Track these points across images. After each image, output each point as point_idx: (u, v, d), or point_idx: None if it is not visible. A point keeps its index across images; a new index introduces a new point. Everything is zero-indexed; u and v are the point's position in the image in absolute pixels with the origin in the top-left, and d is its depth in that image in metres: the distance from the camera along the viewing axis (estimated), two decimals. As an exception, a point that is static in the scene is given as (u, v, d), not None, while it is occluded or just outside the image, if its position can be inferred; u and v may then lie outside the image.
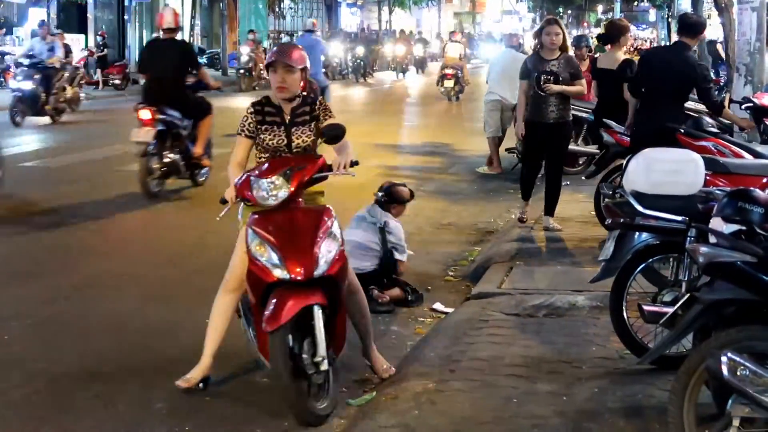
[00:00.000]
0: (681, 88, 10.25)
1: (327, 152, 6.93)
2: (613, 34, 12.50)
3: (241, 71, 37.85)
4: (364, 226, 9.47)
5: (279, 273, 6.29)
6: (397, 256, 9.44)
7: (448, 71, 32.74)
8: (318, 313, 6.30)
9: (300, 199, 6.62)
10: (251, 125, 6.86)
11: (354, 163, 6.79)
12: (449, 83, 32.46)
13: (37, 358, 7.59)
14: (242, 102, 26.52)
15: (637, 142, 9.93)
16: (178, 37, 15.10)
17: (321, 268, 6.35)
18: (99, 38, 38.83)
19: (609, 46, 12.58)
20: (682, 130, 10.30)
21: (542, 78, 11.35)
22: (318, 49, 21.39)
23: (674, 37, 19.36)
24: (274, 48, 7.22)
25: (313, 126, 6.87)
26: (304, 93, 6.94)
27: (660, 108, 10.15)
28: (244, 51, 38.82)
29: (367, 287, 9.09)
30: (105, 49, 37.62)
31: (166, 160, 14.12)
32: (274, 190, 6.47)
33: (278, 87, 6.79)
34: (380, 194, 9.71)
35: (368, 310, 7.13)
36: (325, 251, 6.39)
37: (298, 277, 6.29)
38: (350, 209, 9.83)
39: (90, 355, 7.66)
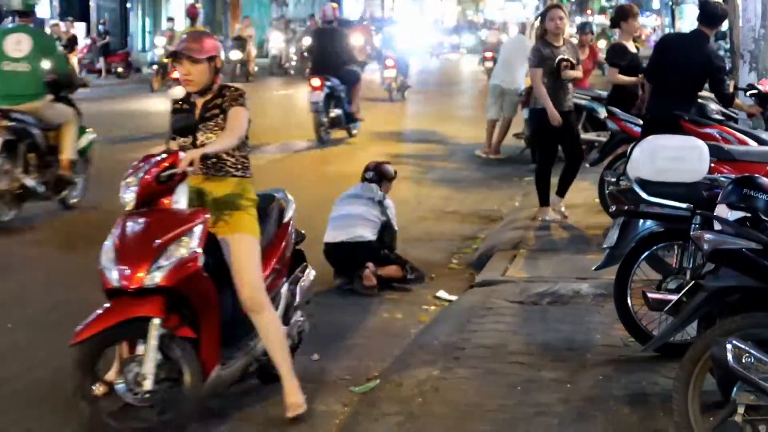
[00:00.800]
0: (697, 78, 10.18)
1: (331, 156, 6.89)
2: (619, 19, 12.42)
3: (154, 67, 31.21)
4: (363, 201, 9.63)
5: (112, 279, 5.73)
6: (396, 227, 9.78)
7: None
8: (153, 328, 5.66)
9: (167, 200, 5.92)
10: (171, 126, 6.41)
11: (208, 159, 6.12)
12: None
13: (39, 346, 7.60)
14: (152, 104, 26.31)
15: (651, 128, 9.90)
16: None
17: (153, 278, 5.68)
18: (101, 26, 38.76)
19: (617, 31, 12.50)
20: (687, 117, 10.27)
21: (563, 64, 11.28)
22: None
23: (678, 25, 19.33)
24: (183, 36, 6.69)
25: (222, 119, 6.25)
26: (218, 84, 6.32)
27: (675, 95, 10.08)
28: (159, 43, 33.35)
29: (364, 264, 9.15)
30: (107, 37, 37.59)
31: (332, 115, 19.01)
32: (128, 191, 5.90)
33: (184, 80, 6.30)
34: (370, 173, 9.96)
35: (281, 335, 6.29)
36: (164, 259, 5.72)
37: (130, 286, 5.67)
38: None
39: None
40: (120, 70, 36.37)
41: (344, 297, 9.13)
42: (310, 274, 7.11)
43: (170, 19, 36.79)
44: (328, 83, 18.84)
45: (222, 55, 6.72)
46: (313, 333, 7.32)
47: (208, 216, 5.98)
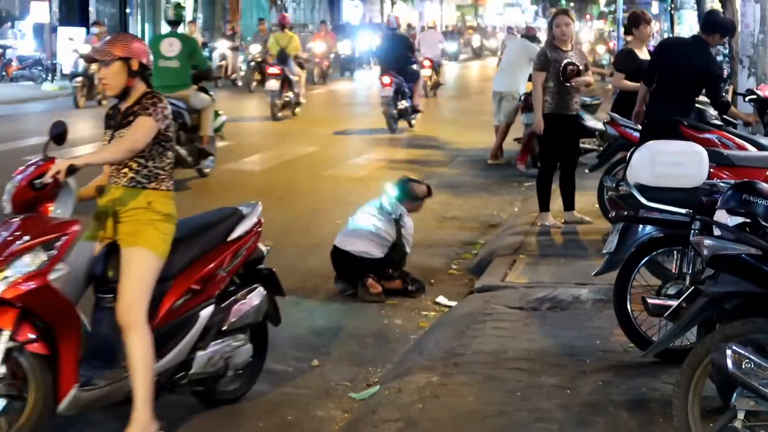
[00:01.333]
0: (695, 83, 10.18)
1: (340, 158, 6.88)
2: (631, 26, 12.33)
3: (78, 80, 25.77)
4: (380, 216, 9.49)
5: None
6: (406, 247, 9.55)
7: None
8: (2, 339, 5.41)
9: (46, 207, 5.69)
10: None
11: (72, 171, 5.64)
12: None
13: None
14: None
15: (649, 133, 9.91)
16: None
17: None
18: (95, 29, 38.33)
19: (630, 37, 12.44)
20: (686, 123, 10.27)
21: (568, 68, 11.31)
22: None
23: (677, 30, 19.36)
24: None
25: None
26: (143, 91, 6.07)
27: (674, 100, 10.08)
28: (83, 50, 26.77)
29: (365, 275, 9.13)
30: None
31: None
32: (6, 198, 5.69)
33: (102, 84, 6.12)
34: (396, 189, 9.70)
35: (147, 360, 5.77)
36: (10, 270, 5.45)
37: None
38: (352, 203, 9.80)
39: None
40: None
41: (343, 303, 9.12)
42: (254, 298, 6.56)
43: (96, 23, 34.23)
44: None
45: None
46: (312, 339, 7.31)
47: (77, 228, 5.68)
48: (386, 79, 21.56)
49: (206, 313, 6.21)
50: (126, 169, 6.01)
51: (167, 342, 6.01)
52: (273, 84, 23.33)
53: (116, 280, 5.88)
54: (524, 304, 8.49)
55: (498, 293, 8.89)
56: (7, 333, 5.42)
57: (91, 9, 42.32)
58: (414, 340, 8.05)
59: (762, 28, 12.08)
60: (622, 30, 26.40)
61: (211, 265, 6.26)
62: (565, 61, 11.30)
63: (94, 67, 23.29)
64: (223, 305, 6.37)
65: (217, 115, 15.64)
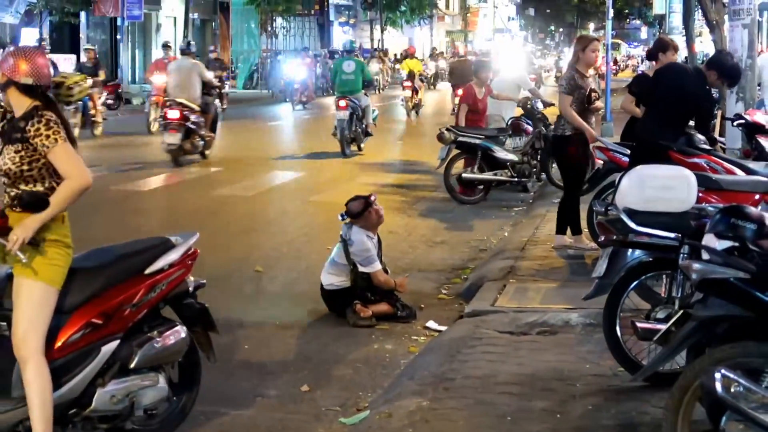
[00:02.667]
0: (687, 111, 10.27)
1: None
2: (657, 51, 12.24)
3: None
4: (339, 242, 9.53)
5: None
6: (362, 268, 9.38)
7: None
8: None
9: None
10: None
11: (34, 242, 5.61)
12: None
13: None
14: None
15: (638, 153, 9.99)
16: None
17: None
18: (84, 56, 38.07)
19: (654, 63, 12.42)
20: (675, 147, 10.31)
21: (592, 95, 11.43)
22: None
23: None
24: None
25: (24, 149, 5.71)
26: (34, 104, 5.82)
27: (664, 124, 10.13)
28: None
29: (351, 301, 9.14)
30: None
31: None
32: None
33: None
34: (342, 213, 9.66)
35: (44, 394, 5.61)
36: None
37: None
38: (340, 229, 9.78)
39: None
40: (110, 101, 36.32)
41: (333, 327, 9.11)
42: (171, 336, 6.18)
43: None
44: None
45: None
46: (302, 364, 7.30)
47: None
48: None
49: (108, 348, 5.90)
50: (16, 192, 5.79)
51: (63, 375, 5.75)
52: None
53: (11, 308, 5.68)
54: (514, 329, 8.49)
55: (488, 318, 8.89)
56: None
57: (82, 36, 42.40)
58: (404, 365, 8.04)
59: (750, 54, 12.10)
60: (611, 54, 26.46)
61: (119, 299, 5.93)
62: (589, 88, 11.43)
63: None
64: (132, 341, 6.04)
65: (372, 111, 23.01)
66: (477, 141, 15.97)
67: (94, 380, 5.88)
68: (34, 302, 5.62)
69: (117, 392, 5.96)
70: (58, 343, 5.74)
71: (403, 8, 68.43)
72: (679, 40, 19.76)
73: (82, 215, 6.97)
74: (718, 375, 4.86)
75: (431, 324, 9.18)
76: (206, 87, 20.45)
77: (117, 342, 5.94)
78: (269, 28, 55.90)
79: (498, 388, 6.99)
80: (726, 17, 13.73)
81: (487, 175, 15.97)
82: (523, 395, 6.86)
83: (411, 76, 35.32)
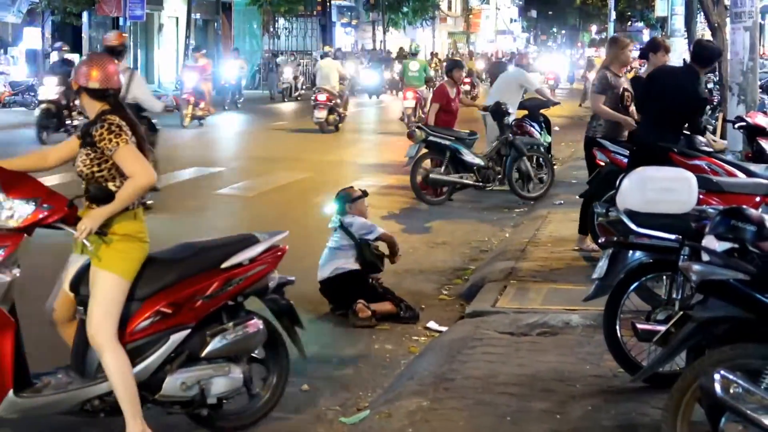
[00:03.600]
0: (684, 110, 10.28)
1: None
2: (648, 51, 12.27)
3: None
4: (335, 234, 9.70)
5: None
6: (369, 237, 9.70)
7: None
8: None
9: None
10: None
11: (100, 232, 5.94)
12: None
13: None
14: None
15: (637, 157, 9.99)
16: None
17: None
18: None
19: (645, 63, 12.49)
20: (676, 149, 10.32)
21: (625, 94, 11.47)
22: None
23: (667, 57, 19.44)
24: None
25: (93, 152, 6.08)
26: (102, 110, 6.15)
27: (663, 127, 10.15)
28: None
29: (355, 300, 9.18)
30: None
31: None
32: (8, 214, 5.87)
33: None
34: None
35: (124, 377, 5.96)
36: None
37: None
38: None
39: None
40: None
41: (334, 327, 9.13)
42: (247, 328, 6.40)
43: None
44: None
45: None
46: (303, 363, 7.30)
47: (10, 245, 5.83)
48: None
49: (178, 336, 6.16)
50: (85, 192, 6.10)
51: (133, 359, 6.03)
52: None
53: (87, 295, 6.03)
54: (514, 330, 8.51)
55: (488, 318, 8.90)
56: None
57: (84, 35, 42.43)
58: (404, 365, 8.06)
59: (751, 56, 12.12)
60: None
61: (190, 291, 6.18)
62: (622, 87, 11.43)
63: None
64: (205, 331, 6.28)
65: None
66: (447, 142, 15.94)
67: (163, 366, 6.15)
68: (107, 293, 5.96)
69: (187, 379, 6.21)
70: (129, 329, 6.05)
71: (405, 9, 68.42)
72: (681, 42, 19.75)
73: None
74: (717, 376, 4.88)
75: (432, 324, 9.20)
76: (341, 78, 28.70)
77: (187, 331, 6.20)
78: (271, 29, 55.92)
79: (498, 389, 7.01)
80: (728, 20, 13.76)
81: (453, 178, 15.95)
82: (523, 396, 6.87)
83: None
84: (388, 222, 12.36)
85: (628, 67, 13.44)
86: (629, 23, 76.46)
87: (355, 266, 9.53)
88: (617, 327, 7.19)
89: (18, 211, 5.83)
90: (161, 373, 6.15)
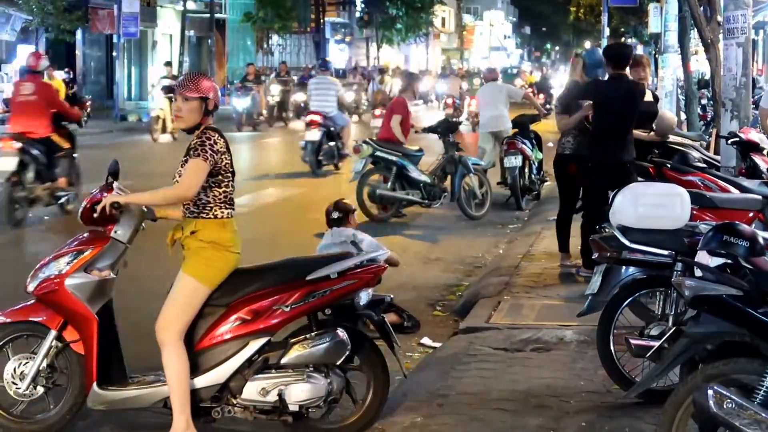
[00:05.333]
0: (631, 117, 10.59)
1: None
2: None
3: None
4: (337, 246, 9.52)
5: None
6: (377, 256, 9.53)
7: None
8: (48, 336, 6.52)
9: (110, 227, 6.58)
10: None
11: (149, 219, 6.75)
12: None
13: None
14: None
15: (598, 175, 10.22)
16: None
17: (31, 284, 6.56)
18: (66, 75, 36.10)
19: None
20: (669, 165, 10.36)
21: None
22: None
23: (661, 73, 19.48)
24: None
25: (183, 163, 6.42)
26: (204, 126, 6.46)
27: (620, 140, 10.41)
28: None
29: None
30: (74, 86, 35.78)
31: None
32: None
33: (175, 115, 6.60)
34: (336, 214, 9.76)
35: (179, 374, 6.30)
36: (46, 269, 6.55)
37: (26, 290, 6.62)
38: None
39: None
40: (85, 119, 35.32)
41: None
42: (325, 339, 6.52)
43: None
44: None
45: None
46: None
47: (101, 245, 6.54)
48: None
49: (257, 343, 6.44)
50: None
51: (211, 361, 6.41)
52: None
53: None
54: (508, 345, 8.51)
55: (482, 334, 8.90)
56: (53, 333, 6.49)
57: (78, 52, 42.45)
58: (398, 381, 8.04)
59: (744, 72, 12.12)
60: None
61: (271, 300, 6.45)
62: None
63: None
64: (288, 340, 6.56)
65: None
66: (394, 158, 15.81)
67: (242, 370, 6.44)
68: (184, 295, 6.33)
69: (266, 385, 6.44)
70: (212, 333, 6.41)
71: (399, 26, 68.54)
72: (675, 58, 19.76)
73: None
74: (710, 392, 4.88)
75: (426, 340, 9.20)
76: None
77: (266, 338, 6.48)
78: (265, 46, 56.01)
79: (492, 405, 7.00)
80: (721, 36, 13.78)
81: (400, 194, 15.85)
82: (517, 412, 6.87)
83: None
84: (381, 239, 12.22)
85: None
86: (623, 39, 76.78)
87: None
88: (611, 342, 7.19)
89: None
90: (242, 378, 6.43)
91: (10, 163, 14.27)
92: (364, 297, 6.76)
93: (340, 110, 23.03)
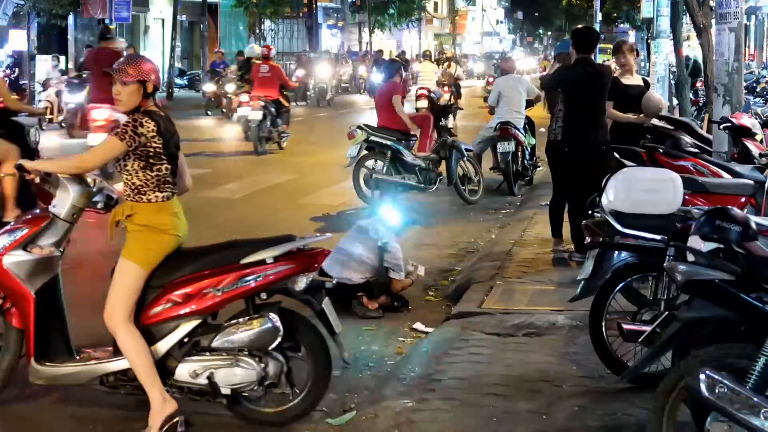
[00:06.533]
0: (603, 102, 10.89)
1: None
2: (612, 54, 12.50)
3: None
4: (365, 239, 9.60)
5: None
6: (392, 275, 9.72)
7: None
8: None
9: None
10: None
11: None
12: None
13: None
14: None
15: (571, 157, 10.38)
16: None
17: None
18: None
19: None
20: (662, 150, 10.35)
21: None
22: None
23: (653, 59, 19.47)
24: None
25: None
26: (145, 108, 6.44)
27: (592, 123, 10.56)
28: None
29: (356, 294, 9.21)
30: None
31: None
32: None
33: (115, 99, 6.52)
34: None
35: (139, 354, 6.35)
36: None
37: None
38: (329, 231, 9.79)
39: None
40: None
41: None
42: (258, 324, 6.49)
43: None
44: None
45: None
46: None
47: (37, 224, 6.60)
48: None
49: (188, 326, 6.46)
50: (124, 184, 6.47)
51: (146, 341, 6.40)
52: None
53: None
54: (501, 330, 8.51)
55: (475, 319, 8.91)
56: None
57: (69, 37, 42.34)
58: (391, 366, 8.06)
59: (736, 57, 12.14)
60: (599, 58, 26.49)
61: (202, 283, 6.43)
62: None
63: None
64: (220, 324, 6.55)
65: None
66: (388, 142, 15.79)
67: (173, 352, 6.48)
68: (124, 279, 6.37)
69: (197, 368, 6.46)
70: (146, 313, 6.44)
71: (391, 11, 68.41)
72: (667, 43, 19.74)
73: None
74: (703, 376, 4.89)
75: (418, 325, 9.20)
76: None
77: (197, 321, 6.49)
78: (257, 31, 55.90)
79: (484, 390, 7.01)
80: (713, 21, 13.79)
81: (396, 178, 15.84)
82: (510, 396, 6.88)
83: None
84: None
85: None
86: (615, 24, 76.72)
87: (361, 281, 9.58)
88: (603, 327, 7.21)
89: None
90: (174, 360, 6.47)
91: (258, 114, 22.37)
92: (302, 282, 6.62)
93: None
